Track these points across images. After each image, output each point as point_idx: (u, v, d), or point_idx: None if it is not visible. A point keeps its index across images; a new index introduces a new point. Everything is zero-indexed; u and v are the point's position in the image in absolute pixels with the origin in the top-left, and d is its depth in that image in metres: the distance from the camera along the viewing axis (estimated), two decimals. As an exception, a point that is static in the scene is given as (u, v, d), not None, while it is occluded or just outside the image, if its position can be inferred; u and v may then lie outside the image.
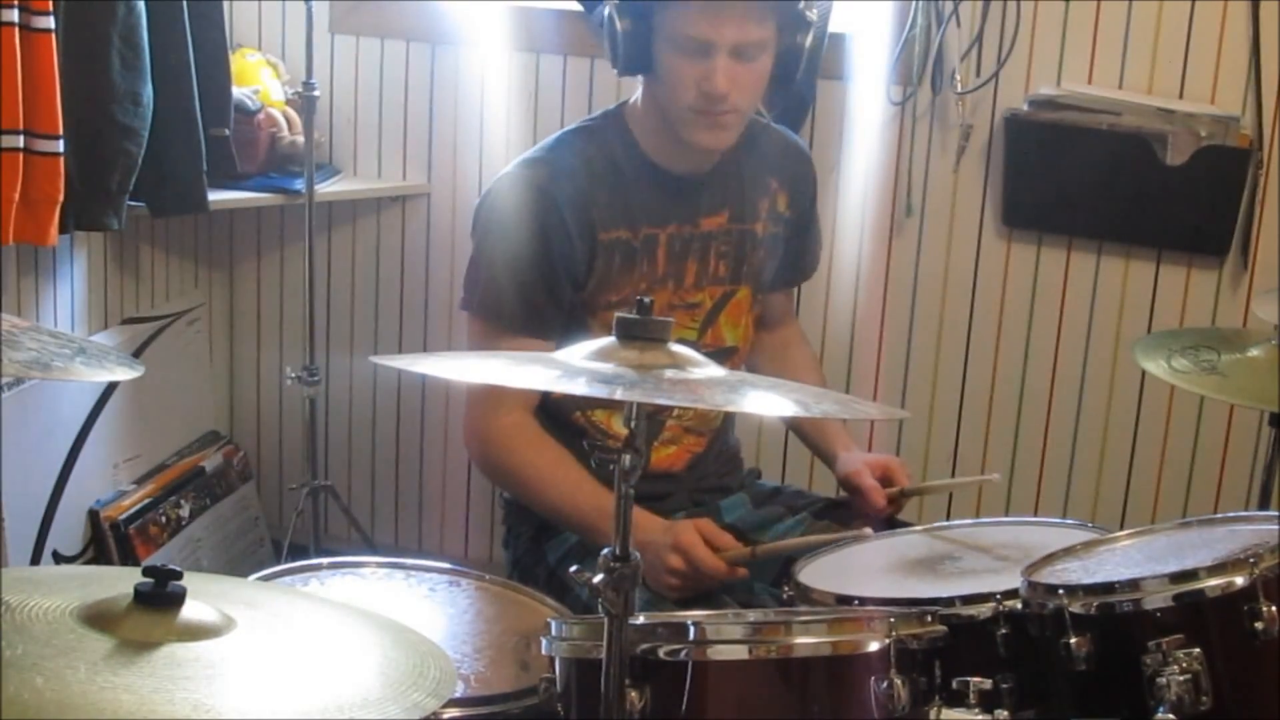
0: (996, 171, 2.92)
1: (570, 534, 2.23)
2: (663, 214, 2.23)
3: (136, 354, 3.05)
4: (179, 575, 1.27)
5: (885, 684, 1.53)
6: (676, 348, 1.49)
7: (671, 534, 2.04)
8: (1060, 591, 1.65)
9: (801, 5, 2.12)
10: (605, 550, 1.47)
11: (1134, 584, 1.60)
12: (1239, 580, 1.56)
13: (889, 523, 2.25)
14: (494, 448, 2.22)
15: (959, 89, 2.88)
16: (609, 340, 1.49)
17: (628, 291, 2.20)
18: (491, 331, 2.19)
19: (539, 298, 2.17)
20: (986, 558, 1.98)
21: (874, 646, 1.54)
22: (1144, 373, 2.41)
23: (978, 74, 2.89)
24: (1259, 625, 1.54)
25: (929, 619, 1.62)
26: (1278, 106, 2.74)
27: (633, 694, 1.49)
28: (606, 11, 2.13)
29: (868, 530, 2.02)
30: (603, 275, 2.20)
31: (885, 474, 2.26)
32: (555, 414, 2.25)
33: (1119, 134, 2.78)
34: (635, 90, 2.25)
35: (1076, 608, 1.62)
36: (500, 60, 3.12)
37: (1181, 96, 2.79)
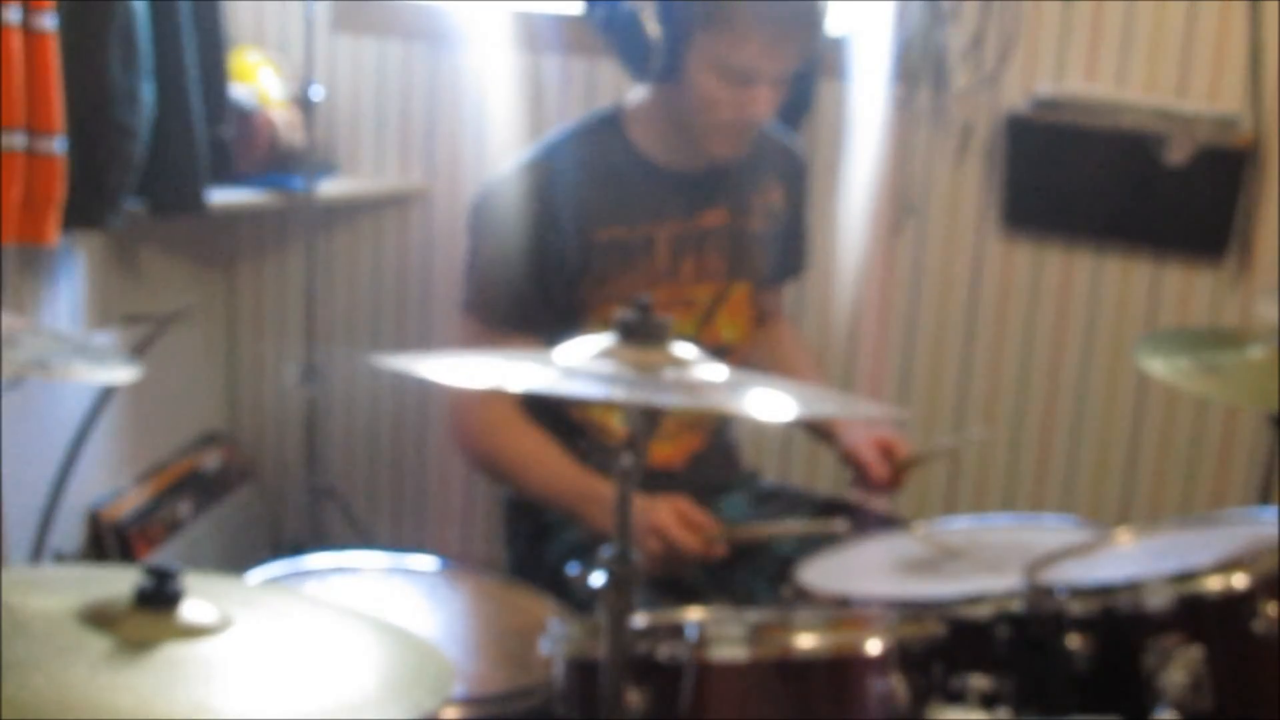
0: (997, 172, 2.92)
1: (570, 534, 2.23)
2: (660, 211, 2.23)
3: (136, 354, 3.05)
4: (179, 575, 1.27)
5: (885, 684, 1.53)
6: (676, 347, 1.49)
7: (647, 515, 2.02)
8: (1060, 591, 1.65)
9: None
10: (605, 550, 1.47)
11: (1134, 584, 1.60)
12: (1239, 580, 1.56)
13: (889, 522, 2.25)
14: (478, 437, 2.24)
15: (959, 89, 2.88)
16: (609, 340, 1.49)
17: (625, 287, 2.21)
18: (482, 330, 2.20)
19: (530, 298, 2.18)
20: (986, 558, 1.98)
21: (874, 646, 1.55)
22: (1144, 373, 2.40)
23: (978, 74, 2.89)
24: (1259, 625, 1.54)
25: (929, 619, 1.62)
26: (1278, 107, 2.74)
27: (632, 694, 1.49)
28: (629, 12, 2.08)
29: (839, 523, 2.01)
30: (600, 273, 2.20)
31: (885, 447, 2.26)
32: (550, 410, 2.25)
33: (1119, 134, 2.78)
34: (631, 91, 2.24)
35: (1076, 608, 1.62)
36: (500, 60, 3.12)
37: (1181, 96, 2.79)
